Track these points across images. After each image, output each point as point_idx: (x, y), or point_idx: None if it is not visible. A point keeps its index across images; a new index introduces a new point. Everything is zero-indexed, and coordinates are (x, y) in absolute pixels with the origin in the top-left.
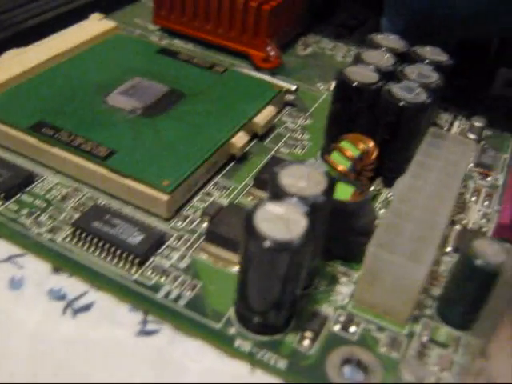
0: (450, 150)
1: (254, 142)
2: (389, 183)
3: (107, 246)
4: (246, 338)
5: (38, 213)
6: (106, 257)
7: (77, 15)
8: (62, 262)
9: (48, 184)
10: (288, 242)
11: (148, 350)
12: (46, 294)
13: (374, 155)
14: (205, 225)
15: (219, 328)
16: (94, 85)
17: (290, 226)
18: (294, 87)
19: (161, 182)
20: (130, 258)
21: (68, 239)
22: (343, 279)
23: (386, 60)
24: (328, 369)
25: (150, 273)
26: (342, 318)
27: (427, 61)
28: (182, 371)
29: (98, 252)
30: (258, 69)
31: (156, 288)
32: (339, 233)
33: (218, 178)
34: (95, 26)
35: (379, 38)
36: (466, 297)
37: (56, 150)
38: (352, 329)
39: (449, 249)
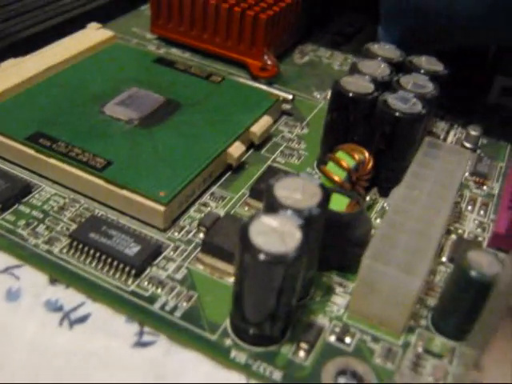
0: (446, 159)
1: (250, 152)
2: (384, 193)
3: (104, 257)
4: (241, 350)
5: (35, 224)
6: (103, 268)
7: (75, 25)
8: (58, 274)
9: (45, 195)
10: (283, 255)
11: (144, 362)
12: (43, 305)
13: (370, 165)
14: (201, 235)
15: (215, 339)
16: (91, 95)
17: (285, 238)
18: (290, 97)
19: (157, 192)
20: (127, 270)
21: (65, 250)
22: (339, 290)
23: (381, 70)
24: (323, 380)
25: (146, 284)
26: (337, 329)
27: (423, 70)
28: (177, 382)
29: (94, 263)
30: (255, 78)
31: (152, 299)
32: (335, 244)
33: (214, 188)
34: (93, 35)
35: (375, 47)
36: (460, 308)
37: (53, 161)
38: (347, 339)
39: (444, 259)
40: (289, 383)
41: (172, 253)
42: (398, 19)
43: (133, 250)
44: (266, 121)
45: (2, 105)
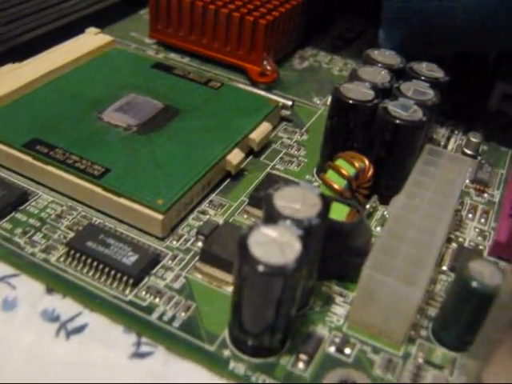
0: (446, 167)
1: (249, 158)
2: (385, 201)
3: (101, 266)
4: (240, 361)
5: (31, 232)
6: (100, 277)
7: (73, 29)
8: (55, 283)
9: (42, 202)
10: (282, 267)
11: (141, 373)
12: (40, 315)
13: (370, 173)
14: (200, 244)
15: (213, 350)
16: (90, 101)
17: (284, 249)
18: (289, 103)
19: (155, 200)
20: (124, 279)
21: (62, 259)
22: (339, 299)
23: (382, 77)
24: None
25: (144, 293)
26: (337, 340)
27: (423, 77)
28: None
29: (91, 272)
30: (254, 83)
31: (150, 309)
32: (335, 253)
33: (213, 196)
34: (91, 40)
35: (375, 53)
36: (461, 318)
37: (50, 168)
38: (347, 350)
39: (445, 267)
40: None
41: (170, 262)
42: (400, 23)
43: (130, 259)
44: (265, 127)
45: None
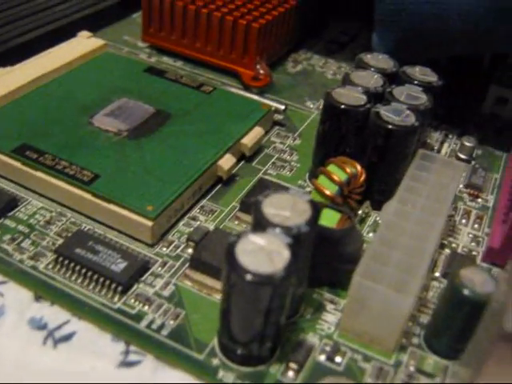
0: (439, 172)
1: (241, 163)
2: (377, 206)
3: (90, 273)
4: (229, 369)
5: (20, 238)
6: (89, 285)
7: (65, 33)
8: (43, 290)
9: (32, 208)
10: (270, 275)
11: (130, 382)
12: (27, 323)
13: (362, 179)
14: (190, 250)
15: (202, 359)
16: (80, 105)
17: (273, 257)
18: (282, 107)
19: (145, 207)
20: (113, 286)
21: (50, 266)
22: (330, 307)
23: (374, 81)
24: None
25: (133, 301)
26: (327, 348)
27: (416, 81)
28: None
29: (80, 280)
30: (247, 87)
31: (139, 317)
32: (326, 260)
33: (204, 202)
34: (83, 43)
35: (368, 57)
36: (453, 326)
37: (40, 174)
38: (338, 359)
39: (437, 274)
40: None
41: (160, 269)
42: (392, 25)
43: (119, 266)
44: (257, 132)
45: None
